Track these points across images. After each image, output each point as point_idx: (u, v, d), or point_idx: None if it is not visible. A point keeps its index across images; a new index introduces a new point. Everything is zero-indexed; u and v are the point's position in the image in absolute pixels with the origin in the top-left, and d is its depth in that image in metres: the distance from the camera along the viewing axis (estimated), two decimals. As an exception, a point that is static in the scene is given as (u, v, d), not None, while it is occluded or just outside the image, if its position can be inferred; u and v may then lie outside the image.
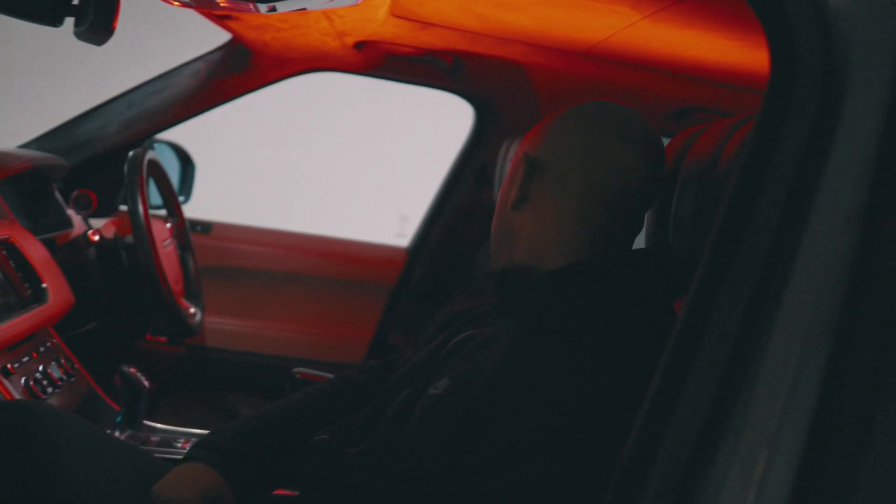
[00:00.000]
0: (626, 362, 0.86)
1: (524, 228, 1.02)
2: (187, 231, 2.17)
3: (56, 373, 1.54)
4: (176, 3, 1.50)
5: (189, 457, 1.10)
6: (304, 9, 1.56)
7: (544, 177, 1.01)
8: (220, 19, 1.87)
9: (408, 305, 2.51)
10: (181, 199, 2.37)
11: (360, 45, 2.07)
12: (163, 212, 2.18)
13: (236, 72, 2.20)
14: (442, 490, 0.89)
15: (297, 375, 1.76)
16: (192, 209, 2.43)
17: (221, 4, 1.52)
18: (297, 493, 1.22)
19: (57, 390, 1.52)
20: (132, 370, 1.59)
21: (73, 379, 1.60)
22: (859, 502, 0.64)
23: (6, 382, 1.35)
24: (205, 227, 2.50)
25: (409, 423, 0.97)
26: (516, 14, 1.75)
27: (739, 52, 1.76)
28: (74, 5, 1.25)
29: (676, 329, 0.71)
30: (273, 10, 1.50)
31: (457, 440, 0.88)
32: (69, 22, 1.27)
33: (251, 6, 1.48)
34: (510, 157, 2.03)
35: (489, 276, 1.07)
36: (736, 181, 0.73)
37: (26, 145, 2.18)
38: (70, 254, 1.85)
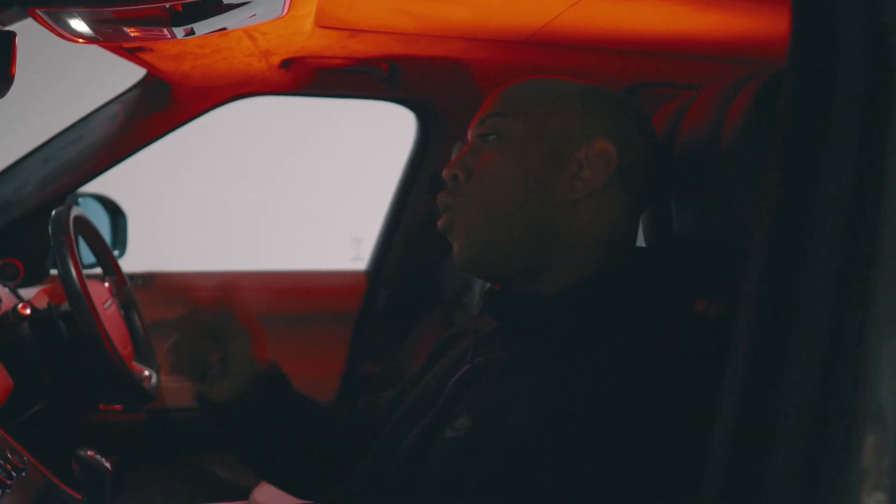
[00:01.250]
0: (672, 382, 0.74)
1: (575, 225, 0.88)
2: (128, 287, 1.99)
3: (2, 471, 1.36)
4: (80, 40, 1.35)
5: None
6: (223, 29, 1.42)
7: (619, 170, 0.88)
8: (132, 53, 1.71)
9: (376, 331, 2.37)
10: (116, 253, 2.19)
11: (287, 63, 1.93)
12: (98, 270, 2.00)
13: (157, 110, 2.04)
14: None
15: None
16: (130, 262, 2.25)
17: (132, 35, 1.37)
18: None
19: (7, 491, 1.34)
20: (90, 453, 1.42)
21: (24, 473, 1.43)
22: None
23: (-55, 495, 1.17)
24: (146, 280, 2.32)
25: (425, 470, 0.84)
26: (453, 7, 1.63)
27: (689, 19, 1.68)
28: (-35, 56, 1.11)
29: (743, 332, 0.60)
30: (191, 33, 1.36)
31: (495, 486, 0.75)
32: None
33: (165, 32, 1.33)
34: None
35: (496, 294, 0.93)
36: (784, 157, 0.62)
37: (-66, 220, 1.99)
38: (1, 333, 1.67)
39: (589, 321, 0.83)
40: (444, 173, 0.94)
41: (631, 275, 0.87)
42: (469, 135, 0.97)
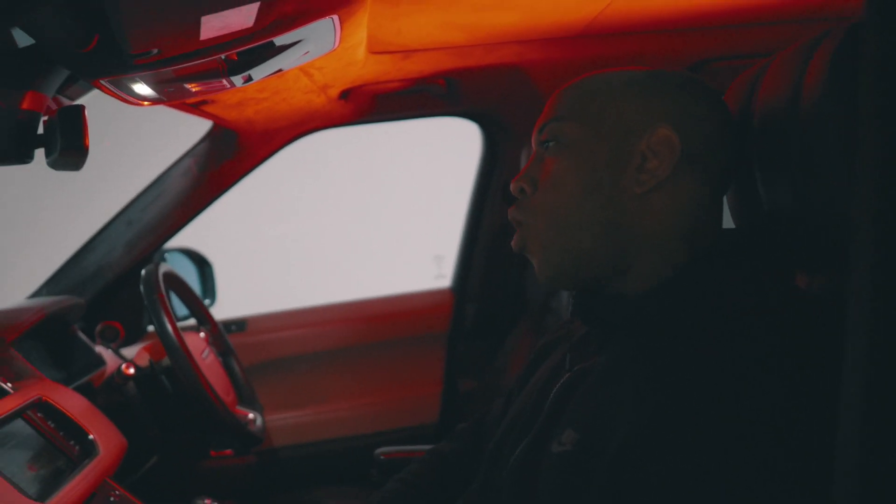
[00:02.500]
0: (784, 370, 0.69)
1: (649, 218, 0.85)
2: (223, 335, 2.04)
3: (127, 528, 1.40)
4: (145, 103, 1.39)
5: None
6: (280, 70, 1.44)
7: (685, 158, 0.85)
8: (196, 108, 1.75)
9: (468, 347, 2.35)
10: (207, 302, 2.25)
11: (345, 94, 1.94)
12: (192, 321, 2.05)
13: (226, 158, 2.08)
14: None
15: (381, 457, 1.61)
16: (221, 310, 2.30)
17: (193, 90, 1.40)
18: None
19: (133, 547, 1.38)
20: (207, 501, 1.45)
21: (146, 529, 1.47)
22: None
23: (78, 558, 1.21)
24: (239, 325, 2.36)
25: (535, 486, 0.82)
26: (502, 13, 1.61)
27: (746, -15, 1.62)
28: (40, 135, 1.15)
29: (862, 309, 0.55)
30: (249, 79, 1.38)
31: (612, 498, 0.72)
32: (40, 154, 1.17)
33: (224, 82, 1.36)
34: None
35: (584, 297, 0.90)
36: (877, 114, 0.57)
37: (36, 293, 2.07)
38: (109, 394, 1.73)
39: (682, 315, 0.79)
40: (512, 187, 0.92)
41: (721, 260, 0.83)
42: (532, 142, 0.95)
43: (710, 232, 0.86)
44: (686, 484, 0.68)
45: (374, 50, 1.73)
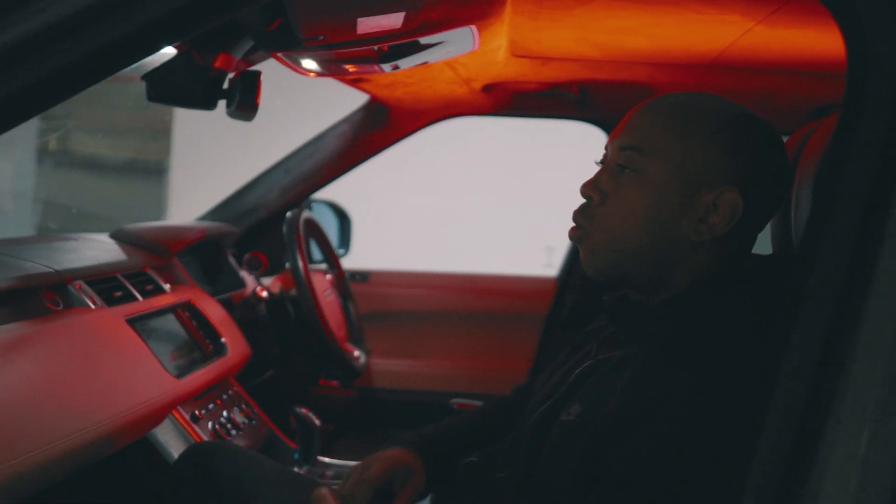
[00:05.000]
0: (758, 372, 0.85)
1: (694, 261, 0.96)
2: (346, 281, 2.33)
3: (239, 417, 1.70)
4: (311, 74, 1.67)
5: (383, 448, 1.17)
6: (425, 63, 1.68)
7: (746, 216, 0.94)
8: (355, 82, 2.02)
9: (562, 334, 2.55)
10: (341, 251, 2.55)
11: (488, 88, 2.17)
12: (324, 266, 2.35)
13: (377, 128, 2.36)
14: None
15: (455, 406, 1.84)
16: (352, 260, 2.60)
17: (350, 70, 1.67)
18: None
19: (240, 433, 1.68)
20: (305, 411, 1.73)
21: (254, 422, 1.77)
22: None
23: (195, 426, 1.52)
24: (363, 276, 2.66)
25: (542, 448, 1.00)
26: (632, 37, 1.78)
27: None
28: (224, 90, 1.43)
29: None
30: (396, 68, 1.63)
31: (587, 464, 0.91)
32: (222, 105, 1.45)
33: (376, 68, 1.62)
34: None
35: (618, 300, 1.05)
36: (817, 180, 0.74)
37: (202, 217, 2.42)
38: (244, 311, 2.05)
39: (689, 326, 0.94)
40: (582, 190, 1.02)
41: (732, 285, 0.97)
42: (606, 148, 1.04)
43: (734, 263, 0.98)
44: (646, 452, 0.86)
45: (516, 53, 1.94)
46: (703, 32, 1.73)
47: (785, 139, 1.20)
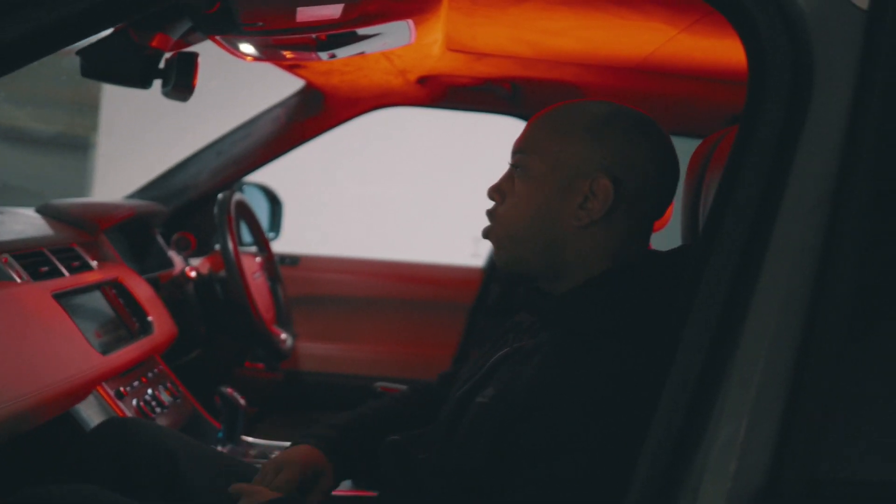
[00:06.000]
0: (652, 357, 0.94)
1: (582, 243, 1.06)
2: (276, 264, 2.35)
3: (163, 395, 1.72)
4: (248, 58, 1.68)
5: (296, 442, 1.22)
6: (362, 52, 1.72)
7: (622, 199, 1.04)
8: (291, 68, 2.04)
9: (487, 322, 2.62)
10: (271, 235, 2.56)
11: (422, 80, 2.21)
12: (254, 249, 2.37)
13: (312, 114, 2.38)
14: (490, 488, 0.99)
15: (378, 389, 1.89)
16: (282, 244, 2.62)
17: (288, 56, 1.69)
18: (375, 493, 1.34)
19: (165, 411, 1.69)
20: (230, 390, 1.76)
21: (178, 401, 1.78)
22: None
23: (120, 403, 1.53)
24: (293, 260, 2.68)
25: (458, 429, 1.08)
26: (562, 38, 1.85)
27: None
28: (161, 69, 1.43)
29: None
30: (333, 56, 1.66)
31: (499, 442, 0.99)
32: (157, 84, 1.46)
33: (313, 55, 1.65)
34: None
35: (529, 290, 1.13)
36: (721, 178, 0.82)
37: (131, 196, 2.40)
38: (172, 290, 2.05)
39: (590, 315, 1.04)
40: (487, 193, 1.13)
41: (629, 277, 1.06)
42: (510, 156, 1.14)
43: (633, 253, 1.08)
44: (546, 433, 0.95)
45: (451, 48, 1.99)
46: (630, 37, 1.81)
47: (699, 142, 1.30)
